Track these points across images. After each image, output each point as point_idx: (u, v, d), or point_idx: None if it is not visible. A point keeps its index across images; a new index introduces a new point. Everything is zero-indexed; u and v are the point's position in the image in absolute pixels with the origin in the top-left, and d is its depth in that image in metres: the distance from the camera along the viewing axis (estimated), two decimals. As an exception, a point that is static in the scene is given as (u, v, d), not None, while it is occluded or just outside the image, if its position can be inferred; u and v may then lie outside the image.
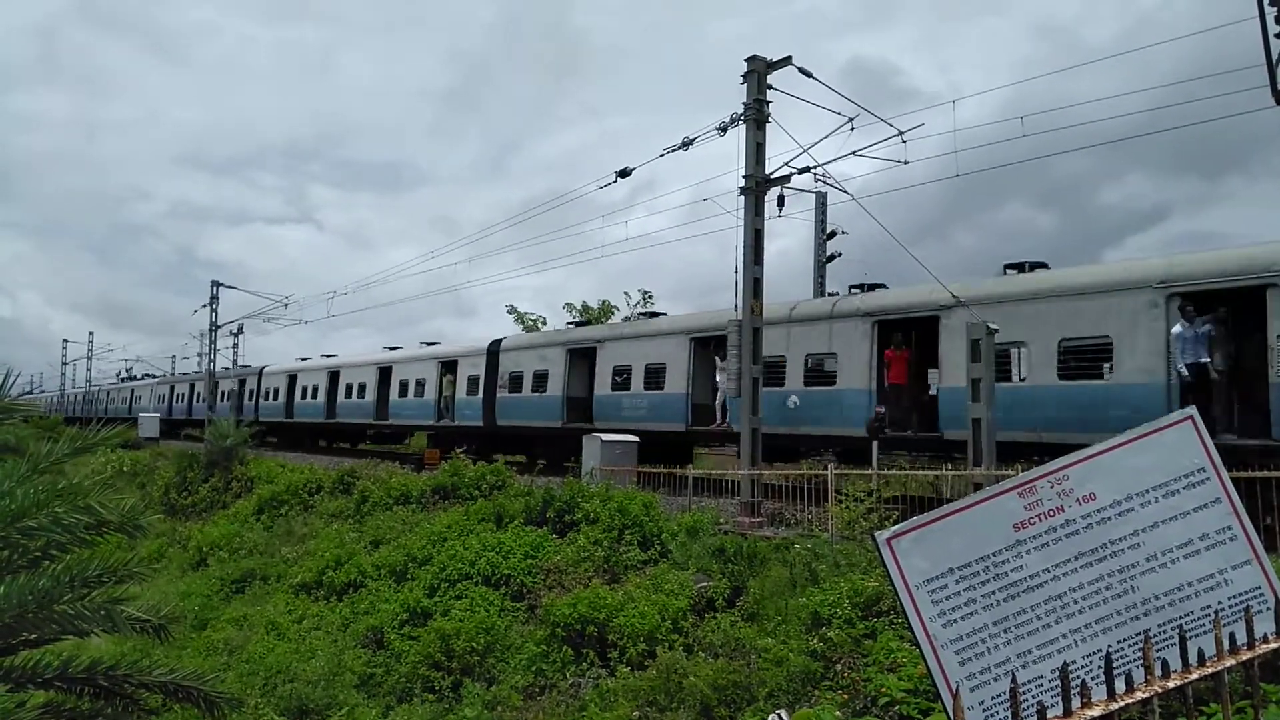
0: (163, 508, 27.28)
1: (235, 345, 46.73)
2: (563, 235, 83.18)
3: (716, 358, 19.20)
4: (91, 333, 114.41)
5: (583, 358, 23.62)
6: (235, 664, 14.02)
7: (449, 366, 28.66)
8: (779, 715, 5.39)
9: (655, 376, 20.98)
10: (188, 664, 11.34)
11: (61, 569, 6.98)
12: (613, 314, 43.69)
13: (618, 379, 22.10)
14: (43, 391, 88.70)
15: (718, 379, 19.23)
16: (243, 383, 45.40)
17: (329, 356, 39.79)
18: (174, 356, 69.88)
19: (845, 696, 7.50)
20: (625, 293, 54.78)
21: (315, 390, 37.48)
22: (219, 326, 40.55)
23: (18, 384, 8.80)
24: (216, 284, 39.93)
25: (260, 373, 43.49)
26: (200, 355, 49.66)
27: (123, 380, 74.25)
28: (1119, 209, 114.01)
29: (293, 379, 39.92)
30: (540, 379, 24.39)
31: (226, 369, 47.10)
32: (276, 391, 41.16)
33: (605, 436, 18.57)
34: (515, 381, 25.31)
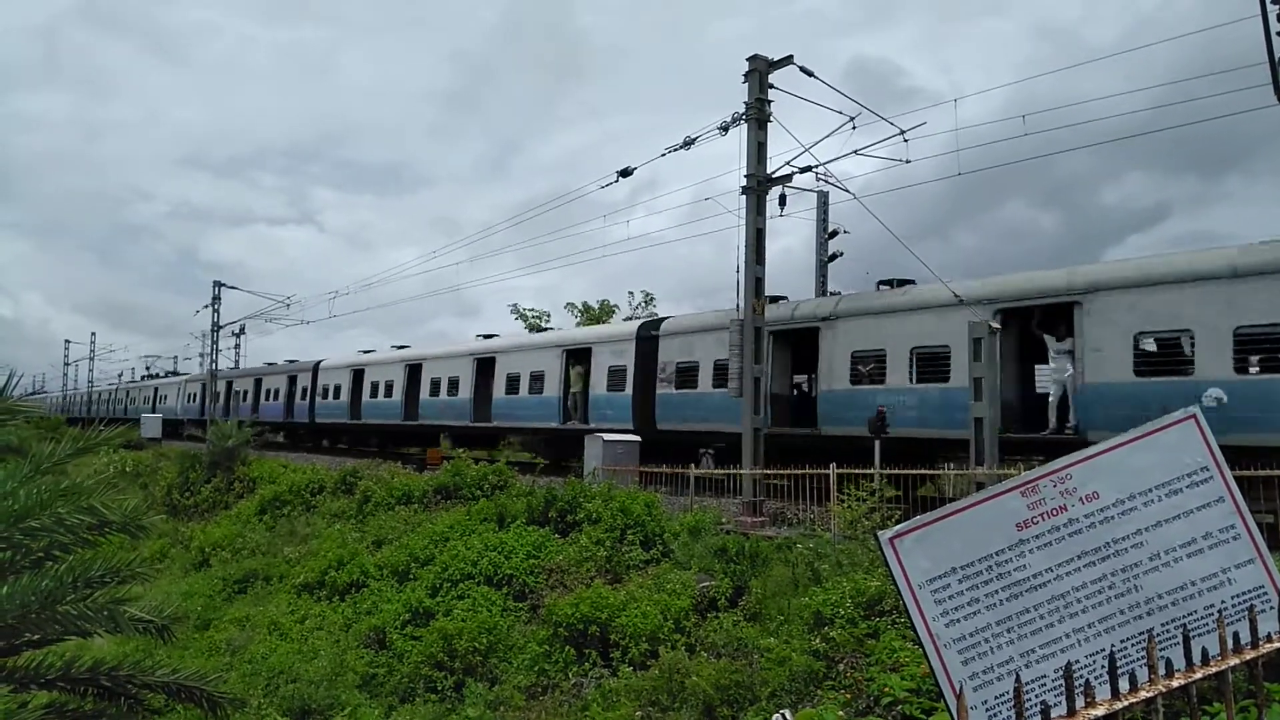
0: (165, 508, 27.34)
1: (237, 346, 46.77)
2: (564, 235, 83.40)
3: (1049, 338, 14.22)
4: (94, 333, 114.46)
5: (793, 343, 18.62)
6: (238, 664, 14.03)
7: (578, 356, 23.41)
8: (782, 715, 5.39)
9: (932, 366, 15.39)
10: (190, 664, 11.37)
11: (64, 569, 6.99)
12: (614, 314, 43.72)
13: (859, 368, 16.68)
14: (44, 392, 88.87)
15: (1054, 368, 14.16)
16: (293, 380, 39.61)
17: (401, 348, 34.30)
18: (175, 357, 69.40)
19: (848, 696, 7.50)
20: (630, 292, 54.83)
21: (390, 387, 31.51)
22: (221, 327, 40.68)
23: (21, 385, 8.81)
24: (218, 284, 40.10)
25: (316, 368, 37.52)
26: (202, 356, 49.47)
27: (144, 378, 69.22)
28: (1120, 208, 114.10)
29: (359, 374, 33.93)
30: (726, 370, 18.84)
31: (271, 364, 43.34)
32: (337, 389, 35.16)
33: (607, 436, 18.58)
34: (685, 374, 19.92)
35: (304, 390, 38.05)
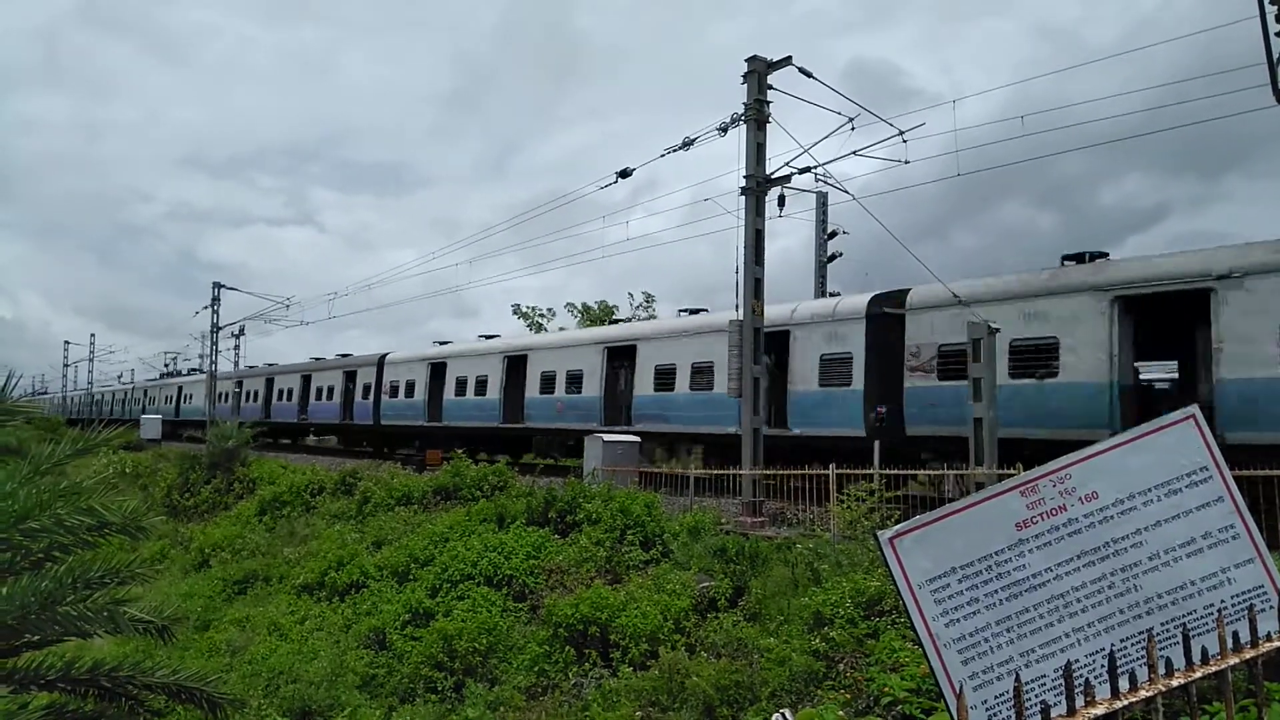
0: (165, 509, 27.33)
1: (237, 346, 46.61)
2: (563, 236, 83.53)
3: None
4: (93, 335, 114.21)
5: (1143, 309, 13.54)
6: (238, 665, 14.03)
7: (764, 341, 17.44)
8: (782, 715, 5.39)
9: None
10: (191, 665, 11.34)
11: (64, 570, 6.98)
12: (613, 314, 43.73)
13: None
14: (45, 393, 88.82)
15: None
16: (351, 376, 34.73)
17: (489, 338, 29.88)
18: (175, 356, 68.85)
19: (848, 696, 7.50)
20: (629, 293, 54.87)
21: (482, 384, 26.62)
22: (220, 328, 40.69)
23: (20, 386, 8.82)
24: (218, 285, 40.14)
25: (381, 362, 32.62)
26: (201, 357, 49.27)
27: (163, 376, 64.26)
28: (1119, 208, 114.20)
29: (438, 369, 29.08)
30: (1038, 354, 13.90)
31: (318, 359, 39.37)
32: (410, 386, 30.45)
33: (607, 437, 18.52)
34: (957, 360, 14.40)
35: (366, 388, 33.14)
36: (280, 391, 40.94)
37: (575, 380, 23.00)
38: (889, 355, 16.14)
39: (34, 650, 7.41)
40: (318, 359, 39.64)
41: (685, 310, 22.44)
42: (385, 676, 12.18)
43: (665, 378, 20.24)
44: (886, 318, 16.36)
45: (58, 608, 6.83)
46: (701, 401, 19.15)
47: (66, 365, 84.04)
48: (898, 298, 16.54)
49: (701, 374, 19.35)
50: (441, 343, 31.82)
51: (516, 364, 25.60)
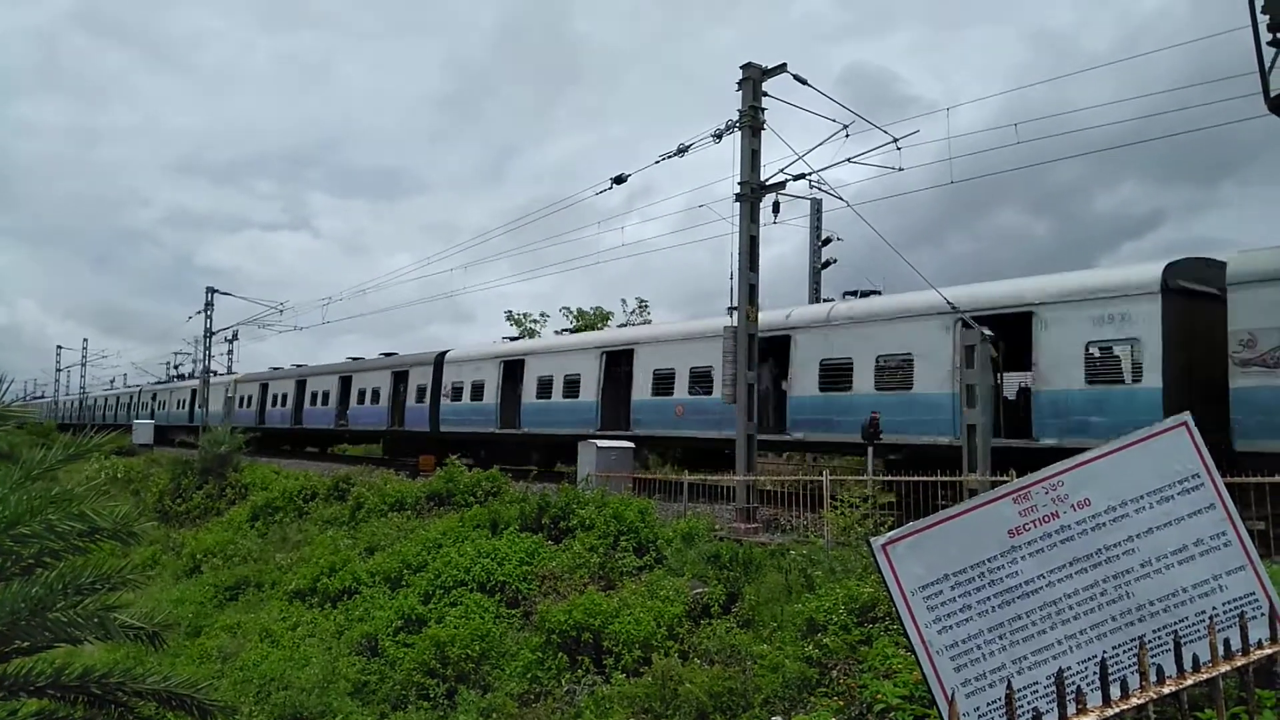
0: (156, 515, 27.22)
1: (230, 351, 46.49)
2: (559, 241, 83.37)
3: None
4: (85, 339, 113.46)
5: None
6: (229, 671, 13.95)
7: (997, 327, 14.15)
8: (775, 722, 5.39)
9: None
10: (181, 671, 11.27)
11: (55, 576, 6.95)
12: (609, 320, 43.74)
13: None
14: (41, 397, 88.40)
15: None
16: (401, 377, 30.95)
17: (574, 330, 26.72)
18: (168, 363, 68.51)
19: (841, 703, 7.49)
20: (622, 300, 54.88)
21: (572, 384, 22.85)
22: (214, 333, 40.65)
23: (12, 390, 8.77)
24: (211, 290, 40.12)
25: (439, 360, 28.86)
26: (195, 362, 49.08)
27: (174, 379, 60.99)
28: (1114, 215, 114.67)
29: (514, 367, 25.29)
30: None
31: (357, 359, 35.64)
32: (478, 388, 26.71)
33: (601, 443, 18.50)
34: None
35: (420, 390, 29.38)
36: (314, 395, 36.85)
37: (702, 379, 19.15)
38: (1199, 344, 12.35)
39: (24, 656, 7.36)
40: (356, 359, 36.13)
41: (850, 293, 18.51)
42: (377, 683, 12.13)
43: (835, 375, 16.48)
44: (1195, 297, 12.60)
45: (48, 614, 6.80)
46: (895, 404, 15.39)
47: (59, 370, 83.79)
48: (1208, 268, 12.72)
49: (893, 371, 15.73)
50: (511, 338, 29.13)
51: (618, 360, 22.03)
